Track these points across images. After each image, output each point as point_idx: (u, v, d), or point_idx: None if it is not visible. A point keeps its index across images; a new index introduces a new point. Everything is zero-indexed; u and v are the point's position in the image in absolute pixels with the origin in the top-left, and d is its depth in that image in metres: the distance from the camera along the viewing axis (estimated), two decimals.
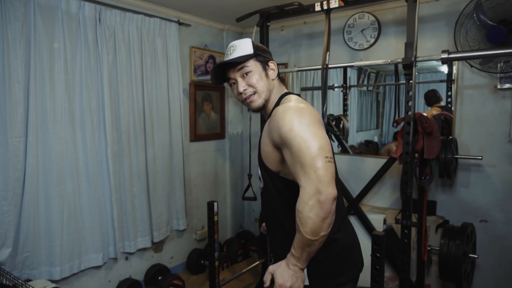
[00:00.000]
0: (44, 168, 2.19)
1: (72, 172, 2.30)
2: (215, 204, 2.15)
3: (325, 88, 2.27)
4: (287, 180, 1.17)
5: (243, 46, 1.24)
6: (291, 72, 3.26)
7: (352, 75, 3.29)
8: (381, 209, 2.81)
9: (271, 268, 1.14)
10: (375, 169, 2.68)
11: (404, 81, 2.01)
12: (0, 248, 2.02)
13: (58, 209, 2.24)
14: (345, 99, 3.30)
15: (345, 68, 3.22)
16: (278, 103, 1.22)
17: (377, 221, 2.59)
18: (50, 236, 2.22)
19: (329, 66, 2.24)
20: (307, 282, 1.17)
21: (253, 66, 1.23)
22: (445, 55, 1.86)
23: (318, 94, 3.40)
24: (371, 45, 2.85)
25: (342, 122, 3.28)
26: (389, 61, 2.09)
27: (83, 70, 2.34)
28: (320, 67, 2.25)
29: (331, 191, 0.98)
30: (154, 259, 2.95)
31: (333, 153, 1.12)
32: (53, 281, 2.10)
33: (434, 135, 2.17)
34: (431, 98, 2.77)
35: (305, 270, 1.15)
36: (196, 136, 3.25)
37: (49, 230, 2.22)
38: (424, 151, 2.19)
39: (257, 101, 1.25)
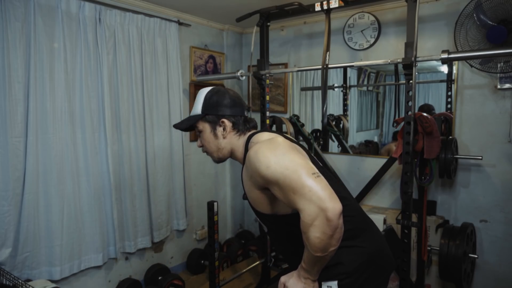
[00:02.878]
0: (44, 168, 2.19)
1: (72, 172, 2.30)
2: (215, 204, 2.16)
3: (325, 88, 2.27)
4: (288, 216, 1.15)
5: (197, 104, 1.26)
6: (291, 72, 3.26)
7: (352, 75, 3.29)
8: (381, 209, 2.81)
9: (283, 279, 1.13)
10: (375, 169, 2.68)
11: (404, 81, 2.01)
12: (0, 248, 2.02)
13: (58, 209, 2.24)
14: (345, 99, 3.29)
15: (345, 68, 3.22)
16: (247, 149, 1.20)
17: (377, 221, 2.58)
18: (50, 236, 2.22)
19: (329, 66, 2.24)
20: None
21: (201, 127, 1.26)
22: (445, 55, 1.86)
23: (318, 94, 3.40)
24: (371, 45, 2.85)
25: (342, 122, 3.28)
26: (389, 61, 2.09)
27: (83, 70, 2.34)
28: (320, 67, 2.25)
29: (336, 205, 0.95)
30: (154, 259, 2.94)
31: (319, 168, 1.10)
32: (53, 281, 2.10)
33: (434, 135, 2.16)
34: (425, 112, 2.75)
35: (336, 282, 1.13)
36: (196, 136, 3.24)
37: (49, 230, 2.22)
38: (424, 151, 2.19)
39: (212, 157, 1.30)
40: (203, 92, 1.26)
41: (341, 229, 0.98)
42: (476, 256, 2.37)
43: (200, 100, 1.24)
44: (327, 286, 1.15)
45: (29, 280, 2.02)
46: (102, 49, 2.42)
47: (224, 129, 1.23)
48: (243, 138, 1.24)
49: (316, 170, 1.02)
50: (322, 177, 1.01)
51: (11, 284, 1.83)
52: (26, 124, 2.11)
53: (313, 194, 0.95)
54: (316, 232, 0.95)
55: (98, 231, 2.44)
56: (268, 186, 1.08)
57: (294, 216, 1.07)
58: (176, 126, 1.30)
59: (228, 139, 1.24)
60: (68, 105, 2.28)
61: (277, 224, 1.20)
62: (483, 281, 2.54)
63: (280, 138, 1.13)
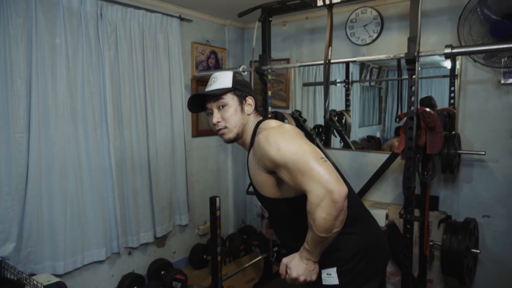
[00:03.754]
0: (47, 163, 2.20)
1: (74, 168, 2.31)
2: (218, 199, 2.16)
3: (327, 83, 2.26)
4: (290, 200, 1.18)
5: (224, 79, 1.26)
6: (293, 67, 3.25)
7: (354, 71, 3.28)
8: (383, 204, 2.81)
9: (285, 260, 1.17)
10: (377, 165, 2.68)
11: (406, 76, 2.00)
12: (4, 243, 2.04)
13: (61, 205, 2.25)
14: (347, 95, 3.28)
15: (347, 64, 3.21)
16: (254, 133, 1.24)
17: (380, 216, 2.58)
18: (53, 231, 2.23)
19: (331, 61, 2.23)
20: (336, 282, 1.18)
21: (229, 99, 1.26)
22: (448, 50, 1.85)
23: (320, 89, 3.39)
24: (374, 40, 2.83)
25: (344, 117, 3.27)
26: (391, 56, 2.07)
27: (84, 65, 2.34)
28: (322, 62, 2.24)
29: (342, 188, 0.99)
30: (157, 254, 2.96)
31: (325, 155, 1.14)
32: (57, 276, 2.12)
33: (437, 130, 2.16)
34: (427, 105, 2.74)
35: (335, 269, 1.18)
36: (198, 131, 3.25)
37: (52, 225, 2.23)
38: (426, 146, 2.18)
39: (228, 135, 1.28)
40: (228, 72, 1.30)
41: (345, 211, 1.02)
42: (478, 251, 2.37)
43: (227, 77, 1.27)
44: (327, 274, 1.19)
45: (33, 275, 2.04)
46: (104, 44, 2.42)
47: (250, 106, 1.28)
48: (254, 122, 1.28)
49: (323, 155, 1.07)
50: (329, 162, 1.05)
51: (15, 278, 1.84)
52: (28, 120, 2.11)
53: (321, 176, 0.99)
54: (322, 212, 0.99)
55: (100, 226, 2.46)
56: (276, 170, 1.11)
57: (297, 199, 1.12)
58: (205, 92, 1.26)
59: (249, 117, 1.28)
60: (70, 101, 2.28)
61: (279, 208, 1.23)
62: (485, 276, 2.54)
63: (287, 125, 1.19)
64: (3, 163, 2.03)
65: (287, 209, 1.21)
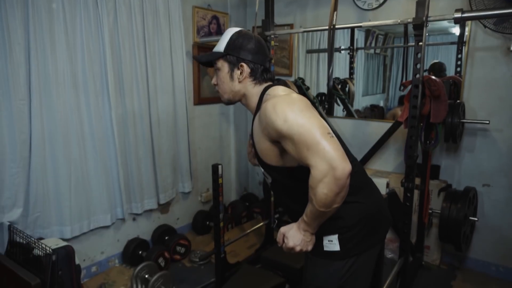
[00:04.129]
0: (50, 131, 2.20)
1: (77, 136, 2.32)
2: (220, 166, 2.18)
3: (331, 50, 2.21)
4: (293, 168, 1.17)
5: (222, 41, 1.23)
6: (297, 33, 3.16)
7: (359, 37, 3.19)
8: (384, 173, 2.83)
9: (283, 229, 1.18)
10: (380, 134, 2.67)
11: (413, 43, 1.95)
12: (12, 208, 2.08)
13: (65, 172, 2.28)
14: (351, 62, 3.22)
15: (352, 29, 3.12)
16: (261, 99, 1.20)
17: (381, 184, 2.60)
18: (59, 198, 2.28)
19: (336, 26, 2.16)
20: (337, 248, 1.19)
21: (220, 65, 1.23)
22: (458, 14, 1.78)
23: (324, 57, 3.31)
24: (381, 5, 2.74)
25: (348, 85, 3.22)
26: (399, 21, 2.01)
27: (83, 31, 2.28)
28: (326, 28, 2.18)
29: (346, 166, 0.98)
30: (161, 220, 3.03)
31: (332, 131, 1.12)
32: (64, 240, 2.18)
33: (442, 99, 2.13)
34: (437, 71, 2.68)
35: (336, 236, 1.19)
36: (200, 99, 3.23)
37: (57, 192, 2.27)
38: (430, 115, 2.16)
39: (222, 98, 1.29)
40: (231, 31, 1.24)
41: (347, 188, 1.02)
42: (476, 219, 2.41)
43: (225, 38, 1.23)
44: (328, 240, 1.20)
45: (41, 239, 2.10)
46: (102, 9, 2.34)
47: (241, 73, 1.22)
48: (259, 88, 1.23)
49: (331, 130, 1.04)
50: (335, 138, 1.03)
51: (24, 242, 1.90)
52: (29, 87, 2.09)
53: (326, 152, 0.98)
54: (324, 188, 0.99)
55: (105, 193, 2.50)
56: (281, 140, 1.09)
57: (299, 169, 1.11)
58: (196, 58, 1.30)
59: (243, 84, 1.23)
60: (70, 68, 2.25)
61: (282, 175, 1.22)
62: (481, 243, 2.60)
63: (296, 95, 1.15)
64: (6, 130, 2.03)
65: (289, 177, 1.21)
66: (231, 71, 1.22)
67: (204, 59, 1.27)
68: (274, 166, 1.20)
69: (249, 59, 1.21)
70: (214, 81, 1.28)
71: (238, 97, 1.26)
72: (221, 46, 1.22)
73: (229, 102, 1.29)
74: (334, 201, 1.02)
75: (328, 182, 0.98)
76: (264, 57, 1.24)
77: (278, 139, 1.10)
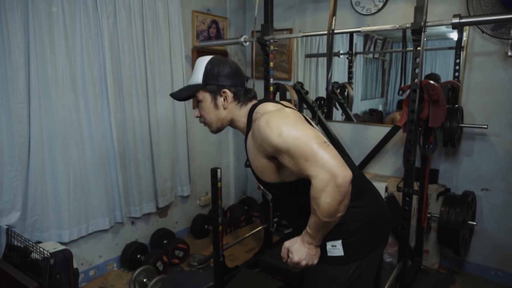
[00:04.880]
0: (49, 134, 2.20)
1: (76, 139, 2.32)
2: (219, 170, 2.18)
3: (330, 54, 2.22)
4: (292, 183, 1.17)
5: (197, 73, 1.22)
6: (296, 37, 3.18)
7: (358, 42, 3.20)
8: (383, 177, 2.84)
9: (287, 244, 1.17)
10: (379, 138, 2.68)
11: (411, 48, 1.96)
12: (10, 212, 2.07)
13: (64, 175, 2.27)
14: (350, 67, 3.23)
15: (351, 34, 3.13)
16: (250, 119, 1.19)
17: (379, 188, 2.57)
18: (57, 201, 2.27)
19: (335, 31, 2.17)
20: (341, 253, 1.18)
21: (202, 97, 1.22)
22: (456, 20, 1.80)
23: (323, 61, 3.33)
24: (379, 10, 2.76)
25: (346, 90, 3.23)
26: (397, 26, 2.02)
27: (83, 35, 2.29)
28: (325, 32, 2.19)
29: (347, 173, 0.98)
30: (159, 223, 3.02)
31: (331, 136, 1.12)
32: (62, 243, 2.17)
33: (440, 103, 2.14)
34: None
35: (340, 241, 1.17)
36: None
37: (56, 195, 2.26)
38: (429, 119, 2.17)
39: (211, 127, 1.27)
40: (203, 61, 1.23)
41: (349, 196, 1.02)
42: (475, 223, 2.42)
43: (200, 69, 1.22)
44: (332, 246, 1.19)
45: (39, 242, 2.09)
46: (102, 13, 2.35)
47: (225, 100, 1.21)
48: (245, 109, 1.23)
49: (326, 139, 1.05)
50: (332, 146, 1.04)
51: (22, 245, 1.89)
52: (28, 90, 2.09)
53: (325, 161, 0.98)
54: (327, 197, 0.99)
55: (104, 197, 2.49)
56: (277, 155, 1.09)
57: (298, 182, 1.11)
58: (174, 95, 1.27)
59: (229, 109, 1.23)
60: (69, 71, 2.25)
61: (282, 191, 1.22)
62: (480, 247, 2.60)
63: (287, 109, 1.15)
64: (5, 134, 2.03)
65: (289, 192, 1.20)
66: (214, 99, 1.22)
67: (183, 94, 1.24)
68: (272, 183, 1.20)
69: (229, 84, 1.21)
70: (197, 113, 1.27)
71: (226, 123, 1.26)
72: (197, 78, 1.21)
73: (218, 130, 1.28)
74: (338, 210, 1.02)
75: (331, 190, 0.98)
76: (242, 78, 1.24)
77: (275, 155, 1.09)
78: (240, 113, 1.23)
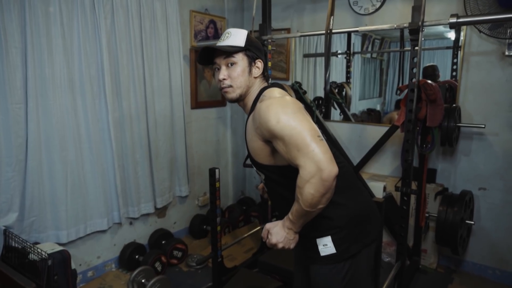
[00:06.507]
0: (46, 135, 2.19)
1: (74, 139, 2.31)
2: (217, 170, 2.17)
3: (328, 54, 2.22)
4: (283, 167, 1.20)
5: (238, 36, 1.23)
6: (294, 37, 3.18)
7: (356, 42, 3.21)
8: (381, 176, 2.84)
9: (268, 225, 1.21)
10: (377, 137, 2.68)
11: (409, 48, 1.96)
12: (7, 213, 2.07)
13: (61, 175, 2.26)
14: (348, 66, 3.23)
15: (349, 34, 3.14)
16: (257, 98, 1.23)
17: (377, 188, 2.62)
18: (55, 202, 2.26)
19: (333, 31, 2.18)
20: (333, 251, 1.21)
21: (239, 59, 1.23)
22: (453, 19, 1.80)
23: (321, 61, 3.33)
24: (377, 9, 2.76)
25: (344, 89, 3.24)
26: (395, 26, 2.02)
27: (80, 35, 2.28)
28: (323, 32, 2.19)
29: (333, 169, 1.02)
30: (158, 224, 3.02)
31: (328, 134, 1.13)
32: (60, 244, 2.17)
33: (438, 103, 2.14)
34: (430, 74, 2.69)
35: (329, 238, 1.21)
36: (197, 103, 3.23)
37: (54, 196, 2.26)
38: (427, 119, 2.17)
39: (231, 94, 1.25)
40: (242, 30, 1.26)
41: (332, 190, 1.05)
42: (473, 222, 2.42)
43: (241, 35, 1.23)
44: (323, 245, 1.23)
45: (37, 243, 2.08)
46: (100, 13, 2.34)
47: (257, 69, 1.26)
48: (261, 86, 1.27)
49: (321, 134, 1.08)
50: (325, 141, 1.07)
51: (20, 246, 1.89)
52: (25, 90, 2.08)
53: (315, 154, 1.02)
54: (311, 188, 1.03)
55: (102, 197, 2.49)
56: (272, 140, 1.13)
57: (289, 168, 1.13)
58: (218, 47, 1.22)
59: (256, 80, 1.27)
60: (67, 71, 2.24)
61: (273, 173, 1.26)
62: (478, 246, 2.61)
63: (290, 98, 1.18)
64: (2, 134, 2.02)
65: (279, 175, 1.24)
66: (250, 65, 1.24)
67: (228, 49, 1.21)
68: (265, 164, 1.24)
69: (262, 57, 1.27)
70: (224, 75, 1.23)
71: (247, 93, 1.26)
72: (238, 41, 1.22)
73: (237, 99, 1.26)
74: (320, 202, 1.05)
75: (315, 182, 1.01)
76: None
77: (270, 139, 1.13)
78: (255, 89, 1.27)
